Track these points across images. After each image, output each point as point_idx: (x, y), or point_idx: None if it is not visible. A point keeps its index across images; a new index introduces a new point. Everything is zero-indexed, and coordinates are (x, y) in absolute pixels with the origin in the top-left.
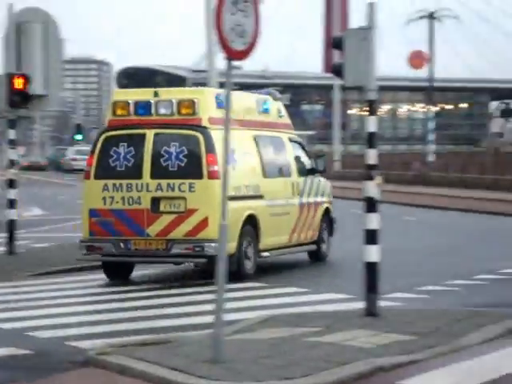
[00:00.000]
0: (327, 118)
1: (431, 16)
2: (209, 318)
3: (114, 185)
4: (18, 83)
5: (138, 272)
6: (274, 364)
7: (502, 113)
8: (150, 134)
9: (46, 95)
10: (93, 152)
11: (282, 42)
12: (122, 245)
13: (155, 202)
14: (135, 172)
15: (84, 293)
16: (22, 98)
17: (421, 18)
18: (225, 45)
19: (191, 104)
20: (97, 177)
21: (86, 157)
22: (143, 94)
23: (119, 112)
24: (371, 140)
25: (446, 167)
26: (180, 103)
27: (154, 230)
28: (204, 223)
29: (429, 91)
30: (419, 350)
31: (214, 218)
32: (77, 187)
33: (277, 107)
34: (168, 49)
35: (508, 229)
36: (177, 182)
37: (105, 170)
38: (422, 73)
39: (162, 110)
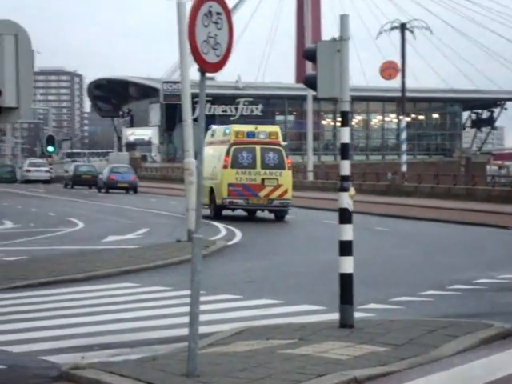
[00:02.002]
0: (300, 128)
1: (403, 27)
2: (184, 331)
3: (242, 171)
4: None
5: (115, 284)
6: (248, 377)
7: (473, 123)
8: (257, 148)
9: (16, 107)
10: (227, 155)
11: (254, 52)
12: (245, 201)
13: (263, 180)
14: (253, 165)
15: (57, 306)
16: None
17: (392, 29)
18: (198, 57)
19: (276, 134)
20: (232, 167)
21: (40, 168)
22: (249, 127)
23: (239, 136)
24: (344, 151)
25: (419, 177)
26: (270, 133)
27: (262, 193)
28: (286, 191)
29: (401, 101)
30: (394, 361)
31: (290, 189)
32: (49, 199)
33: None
34: (139, 60)
35: (480, 239)
36: (273, 171)
37: (236, 164)
38: (395, 83)
39: (261, 136)
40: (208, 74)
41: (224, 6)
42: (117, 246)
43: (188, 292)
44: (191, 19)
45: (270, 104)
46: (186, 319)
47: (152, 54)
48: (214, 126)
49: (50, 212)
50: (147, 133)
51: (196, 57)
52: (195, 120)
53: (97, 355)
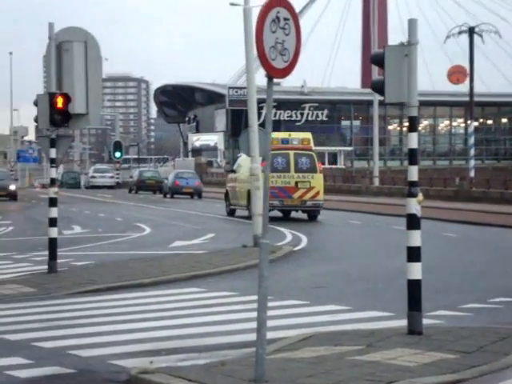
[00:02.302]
0: (366, 133)
1: (471, 31)
2: (251, 337)
3: (277, 175)
4: (59, 102)
5: (182, 289)
6: (316, 383)
7: None
8: (291, 153)
9: (85, 113)
10: (263, 160)
11: (320, 57)
12: (280, 202)
13: (296, 183)
14: (287, 169)
15: (125, 311)
16: (63, 117)
17: (460, 33)
18: (266, 63)
19: (308, 140)
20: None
21: (104, 174)
22: (283, 135)
23: (274, 142)
24: (412, 156)
25: (487, 183)
26: (302, 139)
27: (296, 195)
28: (318, 193)
29: (469, 106)
30: (464, 368)
31: (321, 191)
32: (116, 205)
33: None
34: (205, 66)
35: None
36: (306, 174)
37: (271, 168)
38: (462, 88)
39: (294, 142)
40: (274, 80)
41: (292, 11)
42: (183, 251)
43: (255, 297)
44: (259, 25)
45: (335, 109)
46: (254, 324)
47: (217, 59)
48: None
49: (118, 217)
50: (213, 138)
51: (263, 63)
52: (261, 125)
53: (165, 360)
